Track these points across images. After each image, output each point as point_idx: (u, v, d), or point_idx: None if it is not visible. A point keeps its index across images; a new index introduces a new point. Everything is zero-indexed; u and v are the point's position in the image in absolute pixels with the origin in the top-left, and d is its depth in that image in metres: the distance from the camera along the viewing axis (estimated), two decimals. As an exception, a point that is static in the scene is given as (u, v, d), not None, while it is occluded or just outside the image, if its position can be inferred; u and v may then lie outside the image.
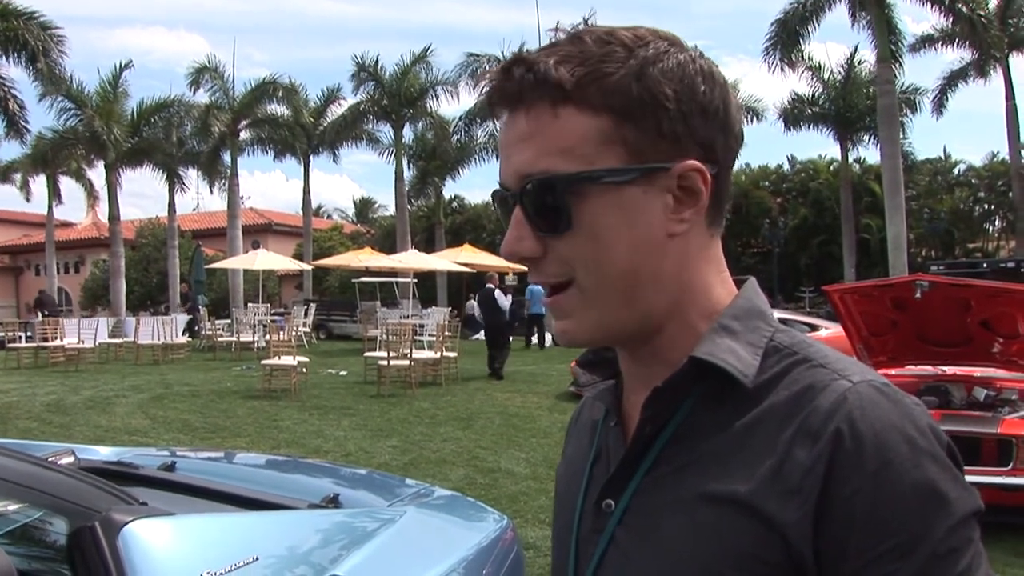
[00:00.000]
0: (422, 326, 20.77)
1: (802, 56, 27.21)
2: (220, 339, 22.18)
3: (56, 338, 19.12)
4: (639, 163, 0.86)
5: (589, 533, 0.95)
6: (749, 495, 0.81)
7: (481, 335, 26.71)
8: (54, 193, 36.97)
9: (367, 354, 15.92)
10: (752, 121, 30.08)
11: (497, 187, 0.93)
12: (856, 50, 29.58)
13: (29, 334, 21.35)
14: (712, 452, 0.86)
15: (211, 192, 42.03)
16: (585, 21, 0.91)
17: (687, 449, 0.88)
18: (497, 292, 17.37)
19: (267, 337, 16.43)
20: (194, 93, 31.88)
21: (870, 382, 0.83)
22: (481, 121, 30.58)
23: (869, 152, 31.99)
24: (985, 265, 21.28)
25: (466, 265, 24.79)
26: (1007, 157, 29.00)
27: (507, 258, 0.91)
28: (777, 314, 0.95)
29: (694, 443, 0.88)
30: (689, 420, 0.89)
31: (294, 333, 18.06)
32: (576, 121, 0.85)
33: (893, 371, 7.50)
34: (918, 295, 6.67)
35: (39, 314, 24.81)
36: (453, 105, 39.94)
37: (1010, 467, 6.16)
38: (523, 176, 0.87)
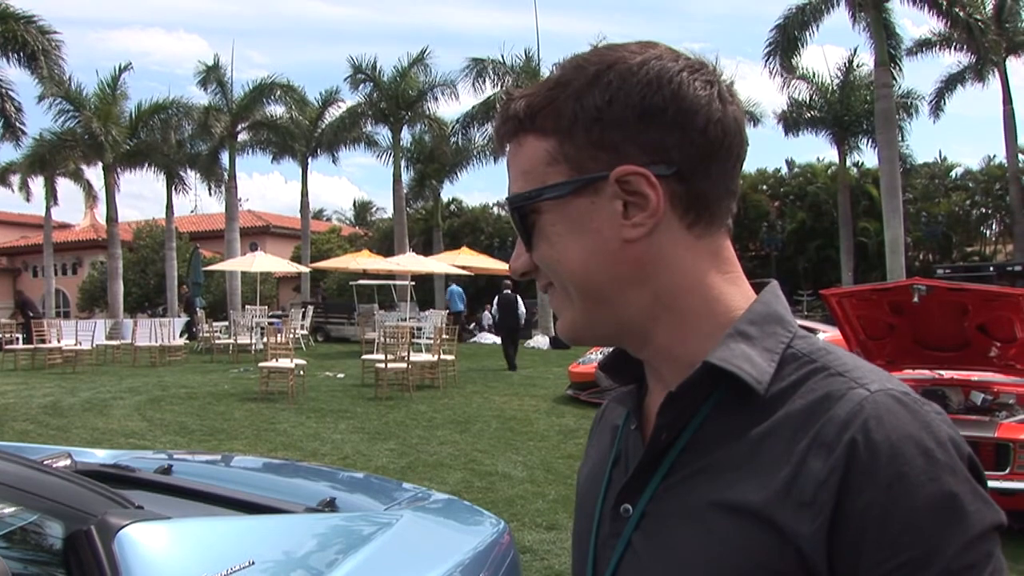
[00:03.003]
0: (420, 329, 20.77)
1: (796, 65, 27.14)
2: (218, 341, 22.17)
3: (53, 340, 19.11)
4: (578, 176, 0.90)
5: (607, 537, 0.96)
6: (763, 505, 0.81)
7: (480, 339, 26.87)
8: (52, 195, 36.93)
9: (365, 357, 15.92)
10: (750, 125, 30.06)
11: None
12: (855, 54, 29.61)
13: (25, 335, 21.30)
14: (727, 460, 0.86)
15: (209, 194, 41.97)
16: (594, 47, 0.95)
17: (702, 456, 0.88)
18: (518, 298, 19.04)
19: (265, 339, 16.42)
20: (205, 90, 32.00)
21: (888, 391, 0.82)
22: (479, 124, 30.53)
23: (867, 156, 31.99)
24: (992, 269, 21.20)
25: (464, 268, 24.79)
26: (1004, 161, 29.02)
27: (513, 275, 1.00)
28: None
29: (709, 450, 0.88)
30: (705, 427, 0.89)
31: (291, 335, 18.05)
32: (532, 147, 0.93)
33: (890, 375, 7.50)
34: (916, 299, 6.67)
35: (23, 315, 24.68)
36: (453, 106, 39.97)
37: (1007, 471, 6.18)
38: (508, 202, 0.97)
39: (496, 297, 20.22)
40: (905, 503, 0.76)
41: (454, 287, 27.54)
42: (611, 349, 1.06)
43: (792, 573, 0.79)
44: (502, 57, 28.69)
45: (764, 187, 36.02)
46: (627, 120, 0.88)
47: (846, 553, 0.77)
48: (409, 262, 23.82)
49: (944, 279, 16.42)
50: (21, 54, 22.99)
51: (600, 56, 0.91)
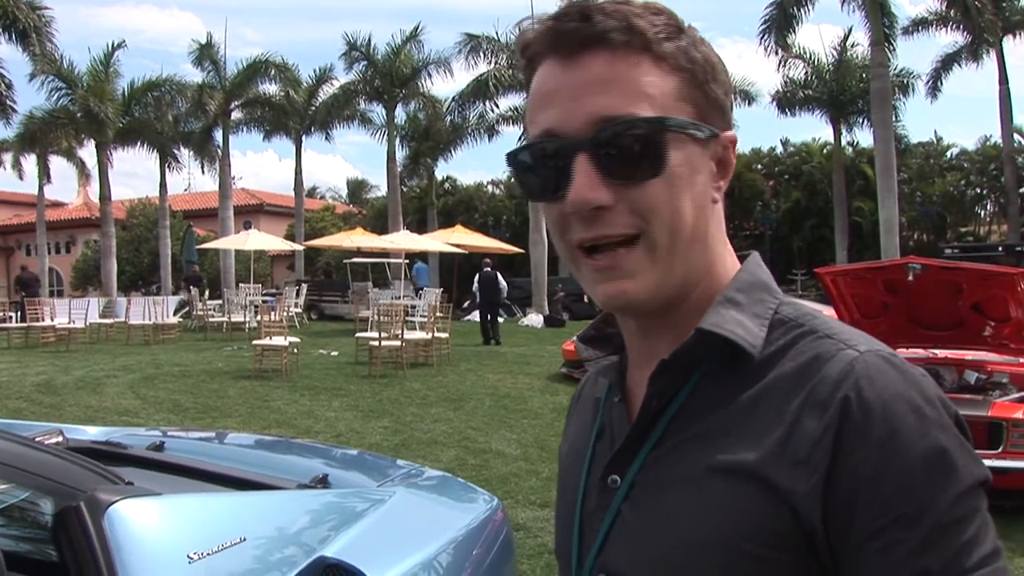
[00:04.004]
0: (414, 307, 20.76)
1: (792, 44, 27.08)
2: (211, 319, 22.13)
3: (46, 318, 19.07)
4: (704, 124, 0.88)
5: (594, 510, 0.95)
6: (757, 464, 0.81)
7: (474, 317, 26.89)
8: (44, 173, 36.76)
9: (359, 335, 15.90)
10: (745, 104, 30.04)
11: (532, 140, 0.90)
12: (849, 33, 29.55)
13: (20, 314, 21.23)
14: (719, 424, 0.86)
15: (203, 172, 41.85)
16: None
17: (694, 422, 0.88)
18: (498, 275, 20.05)
19: (258, 317, 16.41)
20: (200, 68, 31.98)
21: (877, 352, 0.83)
22: (473, 102, 30.41)
23: (862, 135, 31.97)
24: (1001, 249, 21.13)
25: (458, 246, 24.76)
26: (999, 141, 29.03)
27: (576, 207, 0.85)
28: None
29: (701, 416, 0.88)
30: (696, 394, 0.89)
31: (285, 314, 18.04)
32: (655, 74, 0.86)
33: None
34: (910, 278, 6.67)
35: (20, 295, 24.61)
36: (448, 84, 39.85)
37: (1000, 450, 6.20)
38: (605, 119, 0.84)
39: (477, 275, 20.84)
40: (897, 460, 0.77)
41: (420, 264, 28.12)
42: (592, 321, 1.06)
43: (787, 533, 0.80)
44: (496, 34, 28.59)
45: (759, 166, 36.00)
46: (726, 85, 0.91)
47: (840, 509, 0.78)
48: (403, 240, 23.78)
49: (952, 259, 16.40)
50: (12, 31, 22.86)
51: (656, 6, 0.89)
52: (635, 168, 0.84)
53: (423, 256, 28.76)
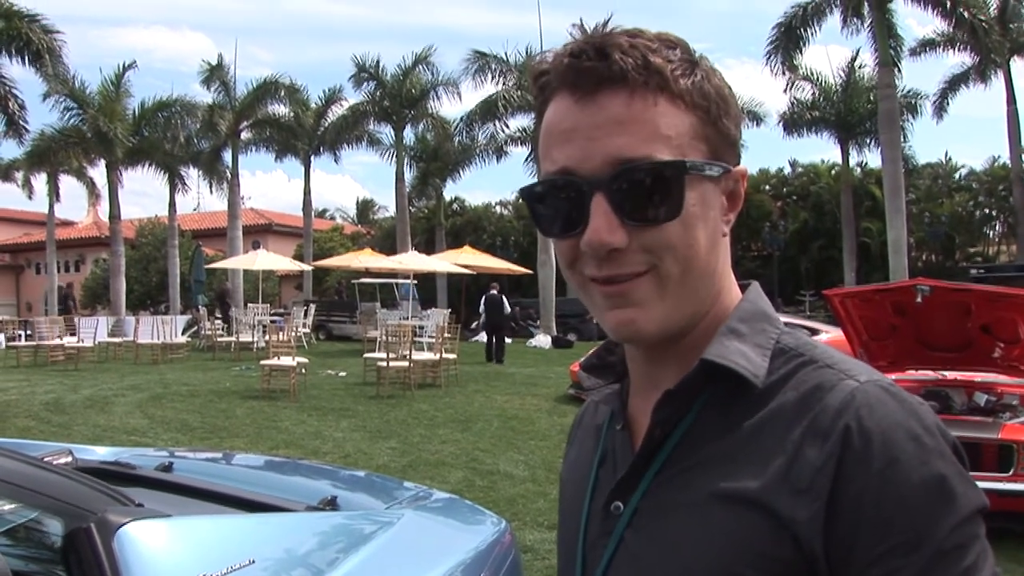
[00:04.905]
0: (422, 327, 20.78)
1: (799, 65, 27.14)
2: (219, 339, 22.15)
3: (55, 337, 19.12)
4: (716, 161, 0.89)
5: (597, 536, 0.96)
6: (760, 492, 0.82)
7: (481, 338, 26.91)
8: (54, 192, 36.92)
9: (366, 355, 15.91)
10: (753, 125, 30.02)
11: (547, 177, 0.89)
12: (857, 54, 29.60)
13: (29, 332, 21.28)
14: (722, 452, 0.87)
15: (210, 192, 41.99)
16: (605, 23, 0.89)
17: (697, 450, 0.89)
18: (504, 298, 21.11)
19: (267, 337, 16.43)
20: (209, 89, 32.14)
21: (876, 382, 0.84)
22: (482, 122, 30.44)
23: (870, 156, 31.97)
24: None
25: (466, 267, 24.78)
26: (1008, 161, 29.01)
27: (593, 248, 0.85)
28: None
29: (704, 444, 0.88)
30: (698, 422, 0.90)
31: (293, 334, 18.05)
32: (671, 113, 0.86)
33: (893, 376, 7.47)
34: (919, 299, 6.66)
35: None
36: (455, 105, 39.93)
37: (1011, 473, 6.15)
38: (623, 160, 0.84)
39: (483, 297, 21.42)
40: (897, 488, 0.78)
41: (408, 284, 27.99)
42: (594, 349, 1.07)
43: (789, 560, 0.80)
44: (505, 54, 28.66)
45: (767, 187, 36.03)
46: (737, 119, 0.91)
47: (841, 537, 0.79)
48: (411, 261, 23.80)
49: (978, 279, 16.31)
50: (25, 52, 23.06)
51: (683, 42, 0.90)
52: (653, 210, 0.85)
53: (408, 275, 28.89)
